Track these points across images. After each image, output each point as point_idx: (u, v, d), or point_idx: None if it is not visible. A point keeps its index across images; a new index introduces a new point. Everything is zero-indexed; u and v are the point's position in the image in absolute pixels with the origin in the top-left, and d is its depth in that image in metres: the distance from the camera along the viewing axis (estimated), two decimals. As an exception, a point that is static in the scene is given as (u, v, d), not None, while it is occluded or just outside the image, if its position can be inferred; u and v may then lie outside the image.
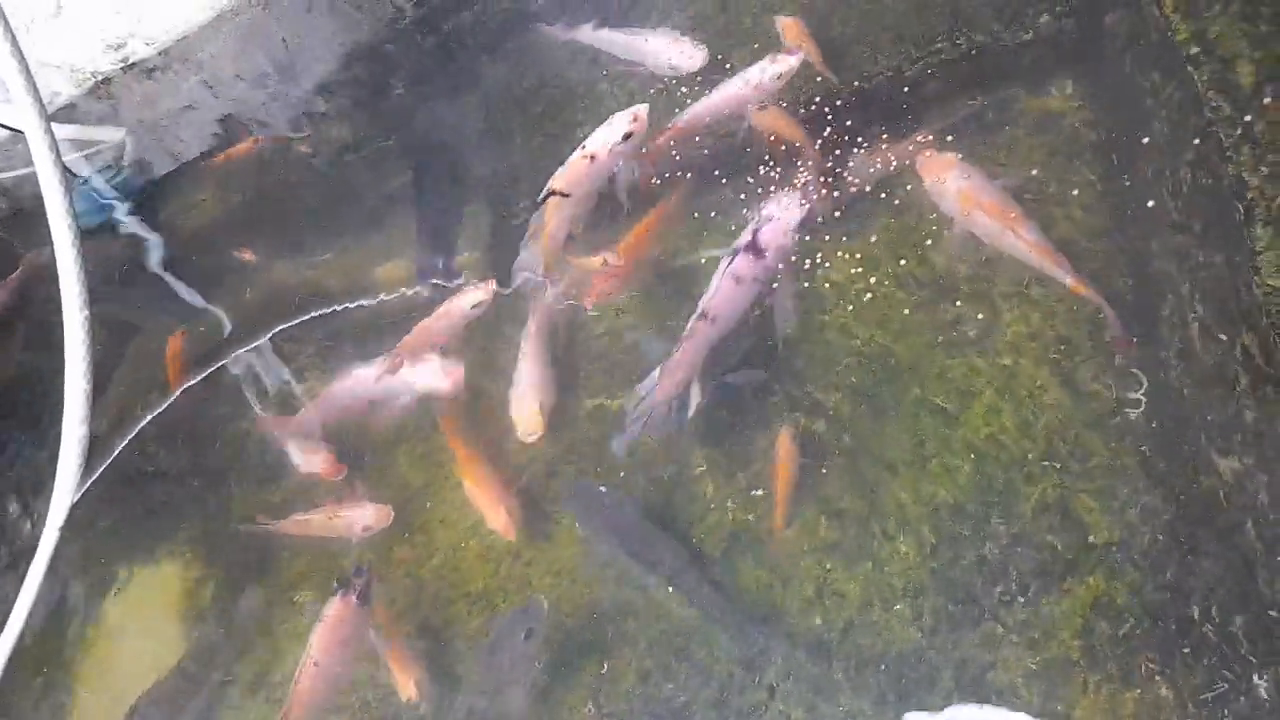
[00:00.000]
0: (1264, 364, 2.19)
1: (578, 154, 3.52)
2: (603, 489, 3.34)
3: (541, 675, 3.17)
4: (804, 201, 2.97)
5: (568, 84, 4.18)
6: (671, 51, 3.87)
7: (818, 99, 3.56)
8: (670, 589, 3.10)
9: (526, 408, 3.51)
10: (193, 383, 4.30)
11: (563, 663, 3.20)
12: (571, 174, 3.52)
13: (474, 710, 3.20)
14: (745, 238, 3.00)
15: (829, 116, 3.53)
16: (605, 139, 3.50)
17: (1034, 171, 3.22)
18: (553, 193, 3.48)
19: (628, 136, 3.47)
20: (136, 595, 4.06)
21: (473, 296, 3.78)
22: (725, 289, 2.95)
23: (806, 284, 3.38)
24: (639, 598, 3.17)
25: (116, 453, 4.14)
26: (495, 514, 3.42)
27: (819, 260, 3.41)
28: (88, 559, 4.14)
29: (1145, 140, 2.82)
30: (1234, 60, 2.32)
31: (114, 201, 4.88)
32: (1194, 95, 2.41)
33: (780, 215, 2.97)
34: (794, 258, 3.17)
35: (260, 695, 3.56)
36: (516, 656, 3.14)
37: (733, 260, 2.95)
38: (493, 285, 3.80)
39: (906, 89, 3.48)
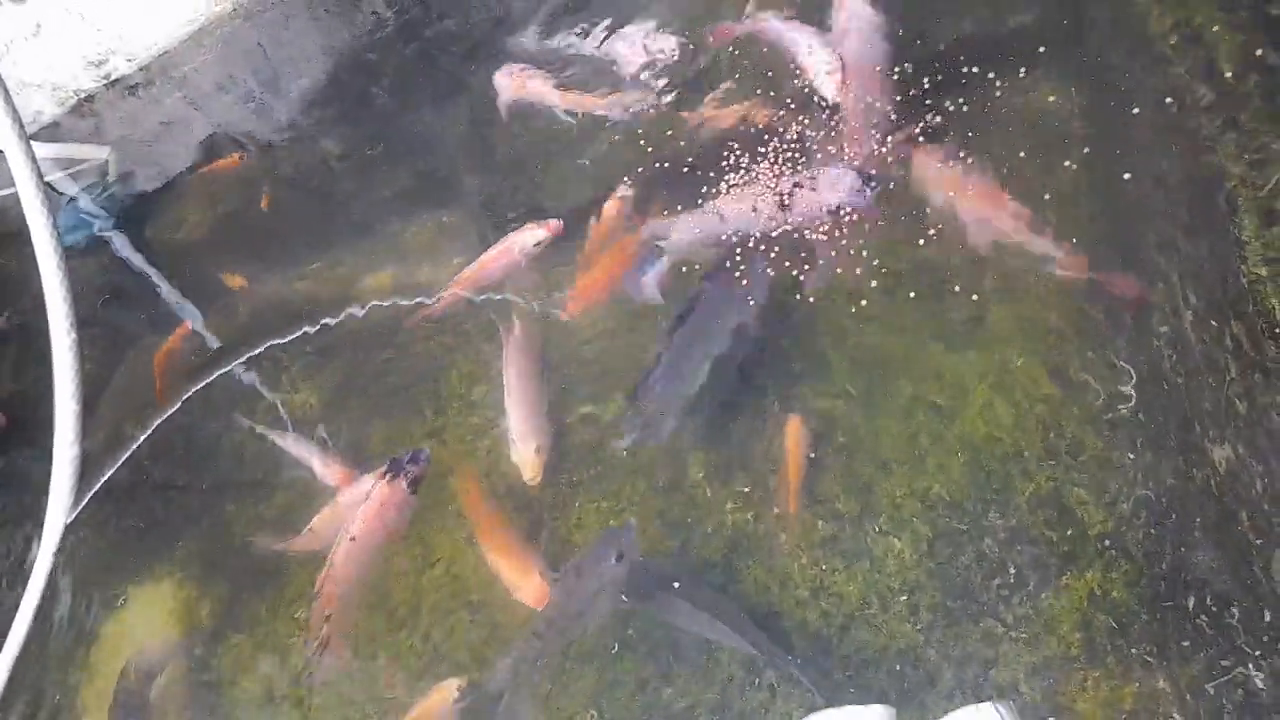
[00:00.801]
0: (1253, 352, 2.18)
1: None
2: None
3: (545, 681, 3.16)
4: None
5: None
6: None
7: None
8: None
9: (526, 453, 3.46)
10: (186, 396, 4.29)
11: (563, 669, 3.19)
12: None
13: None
14: None
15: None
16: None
17: (1020, 159, 3.22)
18: None
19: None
20: (134, 614, 4.05)
21: (535, 234, 3.76)
22: None
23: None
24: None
25: (110, 473, 4.13)
26: (527, 582, 3.29)
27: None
28: (83, 579, 4.13)
29: (1130, 130, 2.82)
30: (1216, 49, 2.32)
31: (101, 219, 4.87)
32: (1176, 84, 2.40)
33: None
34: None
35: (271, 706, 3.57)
36: (604, 580, 3.10)
37: None
38: (557, 224, 3.78)
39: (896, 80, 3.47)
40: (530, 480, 3.42)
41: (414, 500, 3.27)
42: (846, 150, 3.50)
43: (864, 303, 3.31)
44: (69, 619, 4.05)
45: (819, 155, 3.58)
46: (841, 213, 3.45)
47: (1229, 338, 2.27)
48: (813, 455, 3.14)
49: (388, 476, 3.26)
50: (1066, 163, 3.18)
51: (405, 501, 3.27)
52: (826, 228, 3.44)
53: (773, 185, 3.57)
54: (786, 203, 3.47)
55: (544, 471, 3.41)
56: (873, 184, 3.37)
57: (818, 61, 3.68)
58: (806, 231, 3.46)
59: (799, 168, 3.57)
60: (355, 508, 3.52)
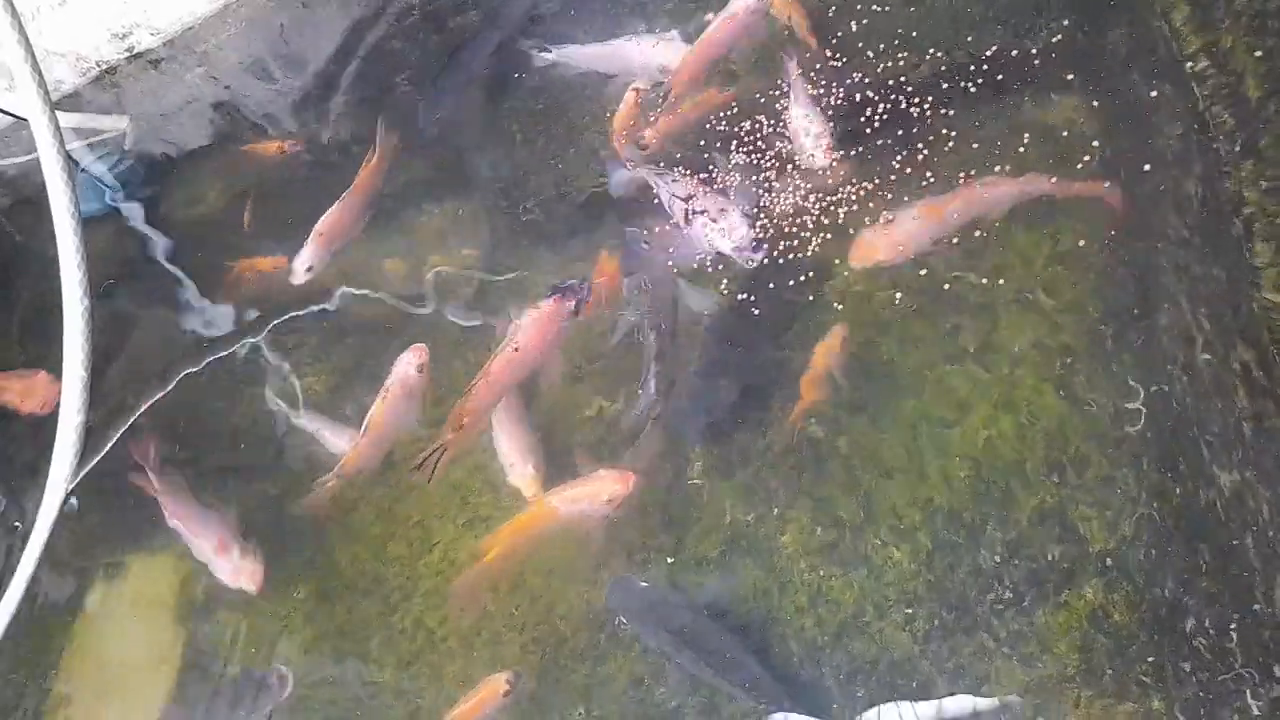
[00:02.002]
0: (1263, 378, 2.18)
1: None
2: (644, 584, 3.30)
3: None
4: None
5: (570, 83, 4.17)
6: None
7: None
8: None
9: (524, 473, 3.48)
10: (191, 371, 4.30)
11: (555, 666, 3.20)
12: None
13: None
14: None
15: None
16: None
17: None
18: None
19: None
20: (128, 587, 4.05)
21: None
22: None
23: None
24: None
25: (113, 442, 4.13)
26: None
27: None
28: (78, 549, 4.13)
29: (1149, 153, 2.82)
30: (1241, 75, 2.32)
31: (115, 190, 4.87)
32: (1197, 109, 2.40)
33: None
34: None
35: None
36: None
37: None
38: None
39: (912, 96, 3.47)
40: (533, 498, 3.44)
41: (571, 322, 3.45)
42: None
43: (869, 310, 3.31)
44: (58, 587, 4.07)
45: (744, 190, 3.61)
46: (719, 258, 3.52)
47: (1239, 363, 2.27)
48: (839, 379, 3.19)
49: (557, 296, 3.41)
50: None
51: (566, 319, 3.43)
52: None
53: (687, 193, 3.58)
54: (689, 219, 3.50)
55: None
56: (759, 250, 3.42)
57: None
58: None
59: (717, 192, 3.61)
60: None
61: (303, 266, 4.15)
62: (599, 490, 3.26)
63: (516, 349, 3.37)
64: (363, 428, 3.67)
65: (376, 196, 4.28)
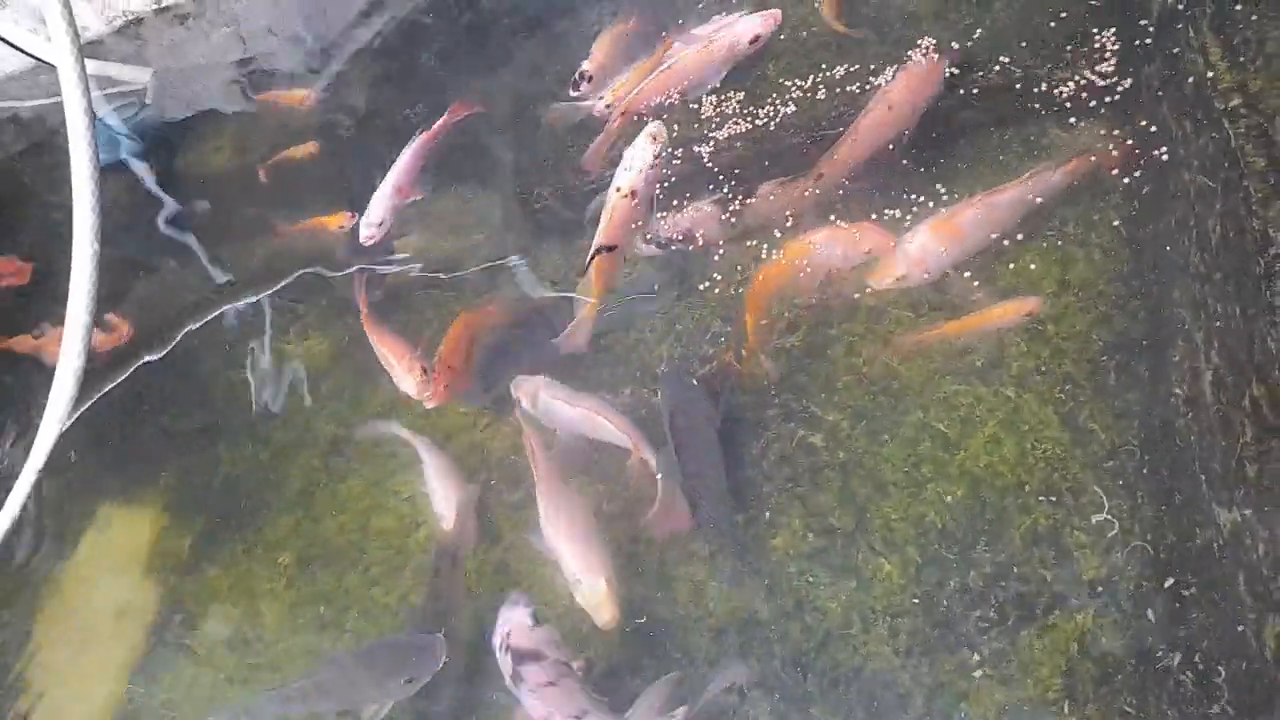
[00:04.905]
0: (1272, 418, 2.19)
1: (615, 197, 3.45)
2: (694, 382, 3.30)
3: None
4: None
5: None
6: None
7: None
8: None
9: (595, 591, 2.97)
10: (191, 328, 4.28)
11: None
12: (617, 221, 3.45)
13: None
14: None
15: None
16: (639, 164, 3.46)
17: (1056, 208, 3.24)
18: (602, 250, 3.40)
19: (657, 156, 3.46)
20: (110, 539, 4.02)
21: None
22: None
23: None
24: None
25: (108, 388, 4.11)
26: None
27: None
28: (64, 497, 4.11)
29: (1173, 187, 2.83)
30: (1274, 115, 2.33)
31: (130, 142, 4.85)
32: (1228, 147, 2.41)
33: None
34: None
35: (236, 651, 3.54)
36: None
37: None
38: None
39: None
40: (608, 622, 2.95)
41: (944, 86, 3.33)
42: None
43: (877, 324, 3.31)
44: (40, 535, 4.03)
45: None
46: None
47: (1249, 400, 2.27)
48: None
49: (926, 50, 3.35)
50: (1102, 213, 3.21)
51: (940, 83, 3.31)
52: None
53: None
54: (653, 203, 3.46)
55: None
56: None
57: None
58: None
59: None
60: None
61: (375, 222, 4.06)
62: None
63: (890, 107, 3.21)
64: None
65: (440, 155, 4.21)
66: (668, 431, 3.17)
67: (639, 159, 3.45)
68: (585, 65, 3.95)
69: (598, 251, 3.40)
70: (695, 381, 3.35)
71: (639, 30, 3.97)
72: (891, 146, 3.34)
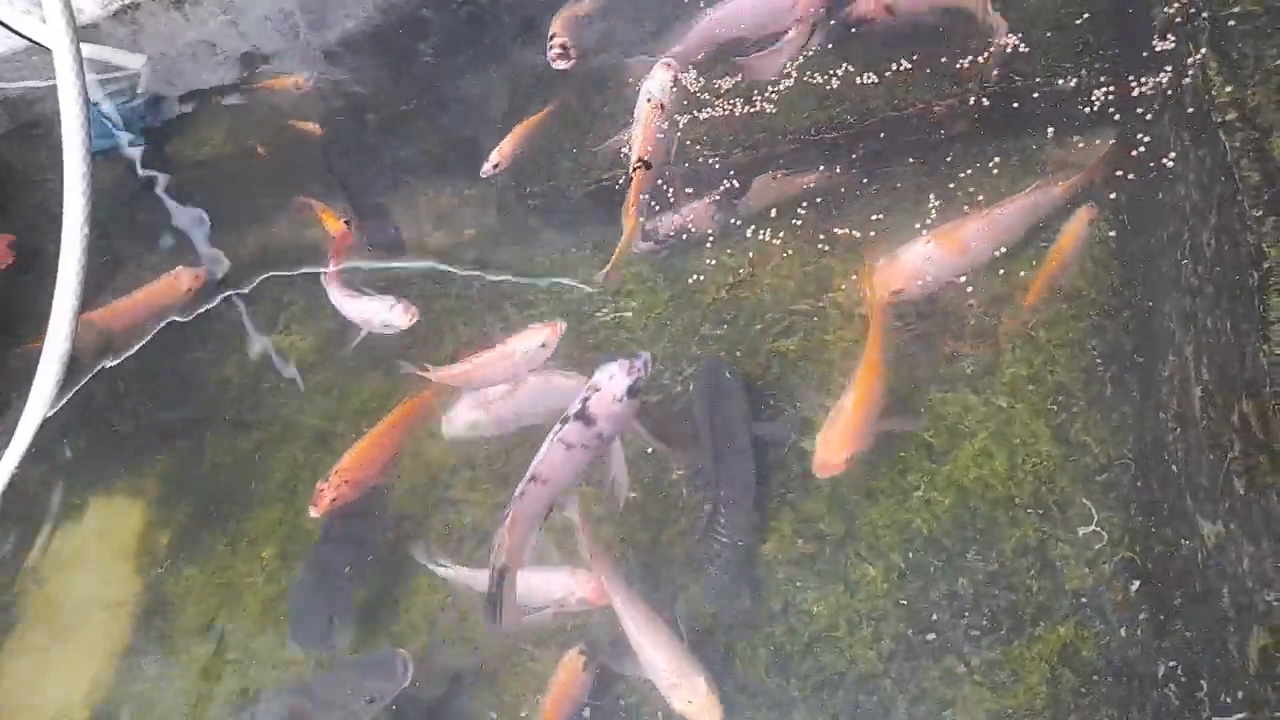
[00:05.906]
0: (1260, 433, 2.19)
1: (645, 107, 3.52)
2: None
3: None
4: (632, 371, 2.89)
5: (593, 70, 4.16)
6: None
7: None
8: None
9: (696, 693, 2.76)
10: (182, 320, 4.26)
11: (514, 656, 3.17)
12: (651, 131, 3.52)
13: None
14: (575, 405, 2.79)
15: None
16: (659, 85, 3.54)
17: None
18: (640, 164, 3.45)
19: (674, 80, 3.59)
20: (91, 529, 4.00)
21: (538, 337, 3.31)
22: (555, 453, 2.77)
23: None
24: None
25: (91, 375, 4.09)
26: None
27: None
28: (46, 485, 4.08)
29: (1168, 200, 2.85)
30: (1270, 130, 2.34)
31: (122, 128, 4.82)
32: (1223, 161, 2.42)
33: (606, 385, 2.90)
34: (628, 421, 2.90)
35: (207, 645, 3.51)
36: None
37: (563, 427, 2.75)
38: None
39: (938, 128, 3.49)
40: None
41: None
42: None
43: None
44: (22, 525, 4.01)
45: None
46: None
47: (1238, 415, 2.28)
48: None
49: None
50: (1094, 226, 3.21)
51: None
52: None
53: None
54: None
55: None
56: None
57: None
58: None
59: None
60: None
61: (490, 162, 4.07)
62: None
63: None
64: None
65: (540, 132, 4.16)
66: (704, 433, 3.15)
67: (658, 80, 3.57)
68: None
69: (637, 166, 3.47)
70: (729, 375, 3.30)
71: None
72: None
